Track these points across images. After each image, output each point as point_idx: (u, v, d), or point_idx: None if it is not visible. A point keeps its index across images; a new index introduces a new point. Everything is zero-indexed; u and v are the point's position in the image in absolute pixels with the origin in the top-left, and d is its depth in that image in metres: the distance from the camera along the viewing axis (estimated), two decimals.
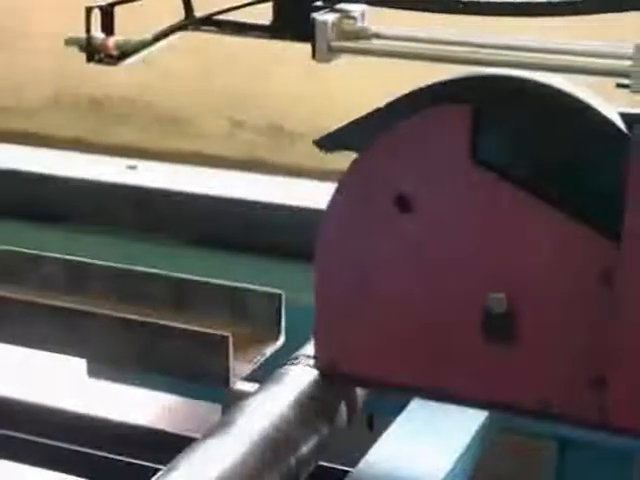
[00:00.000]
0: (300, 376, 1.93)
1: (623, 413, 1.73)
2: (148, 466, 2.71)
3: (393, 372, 1.86)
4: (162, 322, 2.06)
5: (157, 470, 1.72)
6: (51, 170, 2.74)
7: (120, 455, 2.85)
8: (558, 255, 1.72)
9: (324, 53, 1.83)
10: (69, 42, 1.95)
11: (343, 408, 1.93)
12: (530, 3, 1.77)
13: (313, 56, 1.83)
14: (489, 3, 1.78)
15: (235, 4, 1.94)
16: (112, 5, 1.91)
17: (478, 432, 2.05)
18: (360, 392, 1.98)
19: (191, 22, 1.94)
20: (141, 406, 3.14)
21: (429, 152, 1.76)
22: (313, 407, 1.88)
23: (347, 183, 1.83)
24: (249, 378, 2.09)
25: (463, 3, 1.79)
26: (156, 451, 2.77)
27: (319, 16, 1.81)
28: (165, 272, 2.28)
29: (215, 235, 2.65)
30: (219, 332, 1.99)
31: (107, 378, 2.34)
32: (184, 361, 2.06)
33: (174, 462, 1.69)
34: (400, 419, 2.09)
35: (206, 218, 2.68)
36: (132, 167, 2.87)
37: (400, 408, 2.10)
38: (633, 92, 1.65)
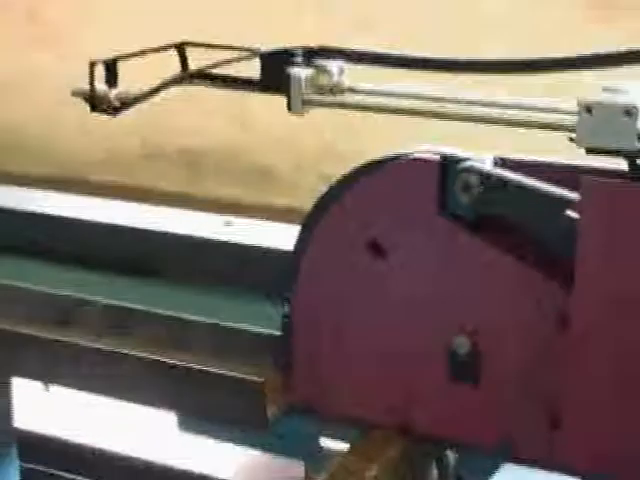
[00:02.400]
0: (390, 435, 1.92)
1: (576, 454, 1.77)
2: None
3: (367, 410, 1.94)
4: (232, 373, 2.07)
5: None
6: (147, 225, 2.76)
7: None
8: (519, 301, 1.80)
9: (298, 106, 1.96)
10: (75, 93, 2.10)
11: (434, 470, 1.91)
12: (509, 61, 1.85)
13: (288, 108, 1.97)
14: (467, 62, 1.89)
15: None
16: (115, 60, 2.07)
17: None
18: (450, 453, 1.97)
19: (186, 76, 2.08)
20: (223, 460, 3.14)
21: (400, 201, 1.86)
22: (403, 468, 1.87)
23: (323, 227, 1.93)
24: (336, 436, 2.09)
25: (437, 61, 1.90)
26: None
27: (294, 71, 1.95)
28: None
29: None
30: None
31: (197, 432, 2.36)
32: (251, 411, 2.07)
33: None
34: None
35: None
36: (229, 223, 2.90)
37: (491, 471, 2.07)
38: (579, 147, 1.70)
